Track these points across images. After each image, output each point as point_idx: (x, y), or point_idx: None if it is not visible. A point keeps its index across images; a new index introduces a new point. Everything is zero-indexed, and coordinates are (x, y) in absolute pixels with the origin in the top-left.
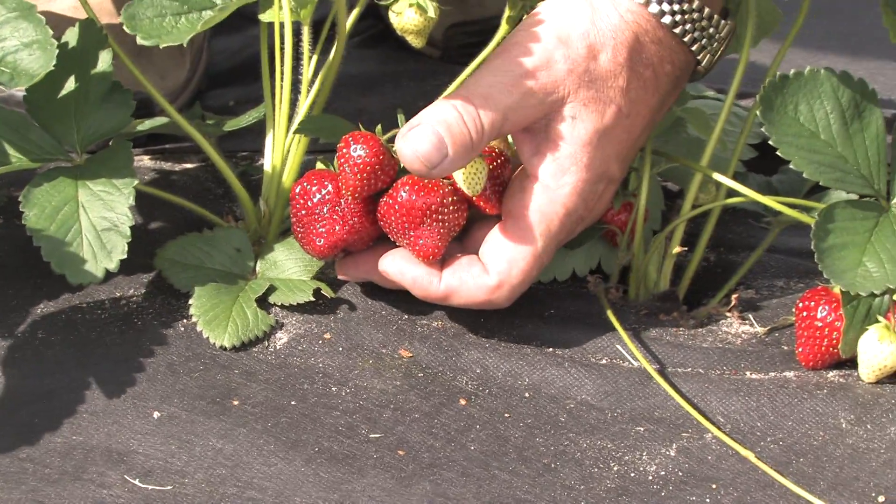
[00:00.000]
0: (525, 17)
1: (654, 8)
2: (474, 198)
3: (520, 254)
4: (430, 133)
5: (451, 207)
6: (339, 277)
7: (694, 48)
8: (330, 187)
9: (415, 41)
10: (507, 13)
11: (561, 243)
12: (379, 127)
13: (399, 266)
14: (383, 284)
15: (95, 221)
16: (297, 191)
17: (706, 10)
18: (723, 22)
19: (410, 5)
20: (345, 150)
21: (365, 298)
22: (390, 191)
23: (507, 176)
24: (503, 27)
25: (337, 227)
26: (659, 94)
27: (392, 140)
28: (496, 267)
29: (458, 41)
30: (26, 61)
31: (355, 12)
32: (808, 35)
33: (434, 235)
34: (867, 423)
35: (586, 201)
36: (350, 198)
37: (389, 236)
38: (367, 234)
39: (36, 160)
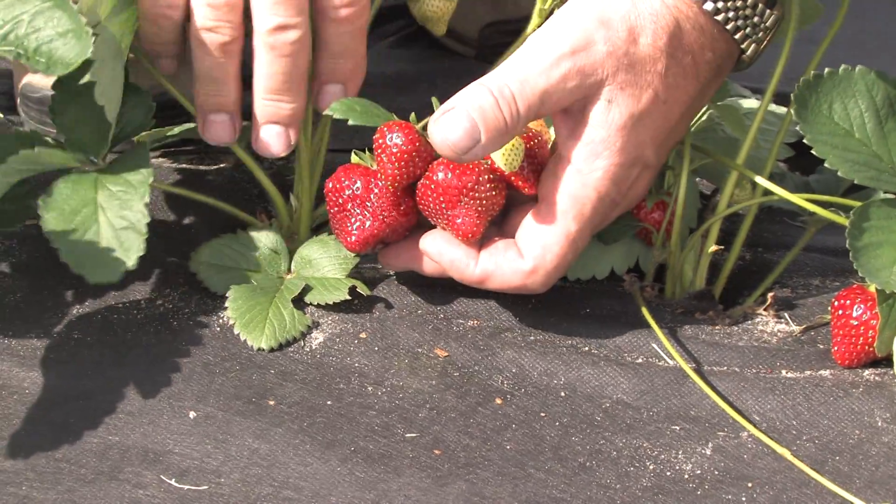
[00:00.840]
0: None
1: None
2: (512, 177)
3: (554, 238)
4: (462, 119)
5: (487, 185)
6: (383, 266)
7: (737, 36)
8: (359, 183)
9: (436, 29)
10: (538, 6)
11: (596, 228)
12: (413, 115)
13: (439, 246)
14: (424, 273)
15: (113, 221)
16: (329, 187)
17: None
18: (768, 11)
19: None
20: (381, 141)
21: (401, 297)
22: (427, 172)
23: (544, 156)
24: (534, 20)
25: (367, 224)
26: (698, 82)
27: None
28: (531, 252)
29: (494, 40)
30: (62, 50)
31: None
32: (840, 34)
33: (472, 214)
34: None
35: (619, 186)
36: (390, 187)
37: (429, 219)
38: (401, 226)
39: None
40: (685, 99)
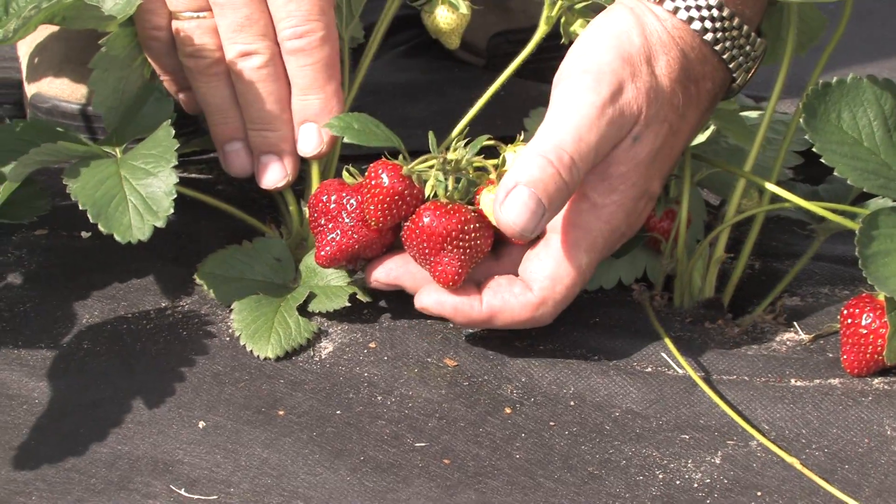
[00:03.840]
0: (563, 21)
1: (696, 25)
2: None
3: (564, 270)
4: (527, 200)
5: (473, 234)
6: (371, 286)
7: (731, 65)
8: (333, 198)
9: (449, 42)
10: (545, 13)
11: (603, 259)
12: (401, 157)
13: (436, 297)
14: (413, 292)
15: (139, 186)
16: (310, 202)
17: (745, 27)
18: (759, 40)
19: (442, 3)
20: (369, 180)
21: (410, 307)
22: (413, 216)
23: None
24: (541, 28)
25: (336, 240)
26: (699, 112)
27: (423, 162)
28: (539, 283)
29: (503, 50)
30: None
31: (386, 20)
32: (848, 41)
33: (454, 261)
34: None
35: (629, 218)
36: (374, 227)
37: (413, 259)
38: (374, 242)
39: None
40: (688, 129)
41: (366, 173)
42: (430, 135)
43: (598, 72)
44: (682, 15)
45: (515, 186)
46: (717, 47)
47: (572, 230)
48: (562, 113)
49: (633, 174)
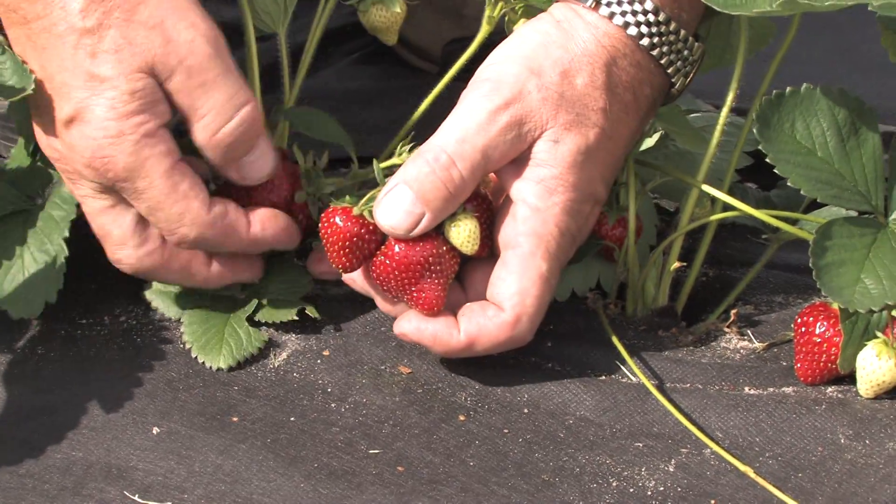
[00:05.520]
0: (507, 20)
1: (632, 31)
2: None
3: (528, 281)
4: (402, 199)
5: (446, 256)
6: (314, 275)
7: (669, 70)
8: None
9: (387, 39)
10: (487, 13)
11: (562, 265)
12: (348, 198)
13: (416, 324)
14: (355, 288)
15: (36, 256)
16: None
17: (682, 32)
18: (696, 44)
19: (374, 3)
20: (325, 228)
21: (364, 315)
22: (383, 248)
23: (492, 218)
24: (484, 27)
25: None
26: (638, 117)
27: (373, 200)
28: (509, 301)
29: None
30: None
31: (324, 18)
32: (808, 52)
33: (435, 287)
34: (865, 439)
35: (576, 220)
36: (340, 272)
37: (388, 294)
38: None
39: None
40: (627, 133)
41: (321, 218)
42: (375, 164)
43: (498, 80)
44: (618, 20)
45: (394, 186)
46: (654, 52)
47: (523, 239)
48: (453, 117)
49: (567, 175)
